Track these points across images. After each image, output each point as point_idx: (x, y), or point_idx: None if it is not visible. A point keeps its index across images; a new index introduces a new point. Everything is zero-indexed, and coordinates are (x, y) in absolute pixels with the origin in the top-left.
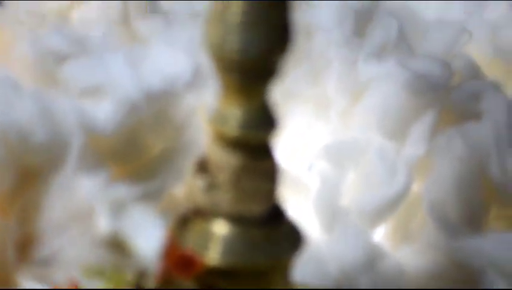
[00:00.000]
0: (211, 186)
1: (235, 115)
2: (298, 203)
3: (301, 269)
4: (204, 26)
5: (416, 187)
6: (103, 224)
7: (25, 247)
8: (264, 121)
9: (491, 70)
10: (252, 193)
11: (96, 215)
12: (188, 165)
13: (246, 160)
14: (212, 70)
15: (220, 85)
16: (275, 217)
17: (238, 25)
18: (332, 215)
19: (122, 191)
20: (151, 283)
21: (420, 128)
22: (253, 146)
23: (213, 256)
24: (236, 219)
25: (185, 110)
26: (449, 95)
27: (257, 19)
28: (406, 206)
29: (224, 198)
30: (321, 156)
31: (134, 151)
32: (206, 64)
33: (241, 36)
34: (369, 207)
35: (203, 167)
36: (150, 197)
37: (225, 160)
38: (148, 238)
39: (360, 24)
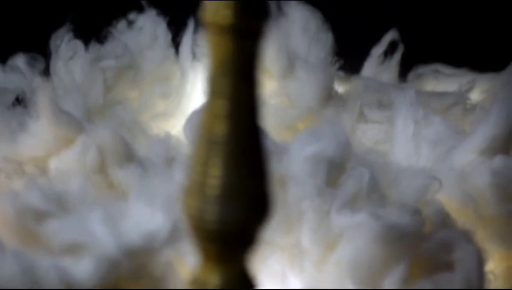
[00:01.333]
0: None
1: (214, 282)
2: None
3: None
4: (183, 197)
5: None
6: None
7: None
8: (242, 286)
9: (461, 216)
10: None
11: None
12: None
13: None
14: (191, 239)
15: (199, 253)
16: None
17: (216, 196)
18: None
19: None
20: None
21: (392, 280)
22: None
23: None
24: None
25: (164, 264)
26: (421, 245)
27: (235, 191)
28: None
29: None
30: None
31: None
32: (183, 219)
33: (219, 207)
34: None
35: None
36: None
37: None
38: None
39: (333, 173)
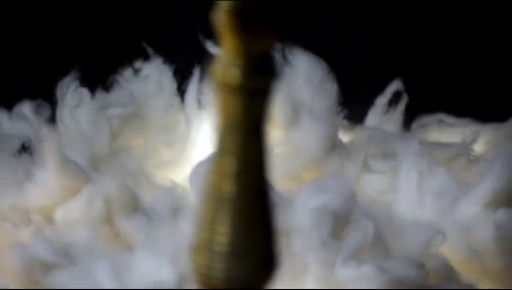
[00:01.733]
0: None
1: None
2: None
3: None
4: (190, 254)
5: None
6: None
7: None
8: None
9: (465, 269)
10: None
11: None
12: None
13: None
14: None
15: None
16: None
17: (224, 254)
18: None
19: None
20: None
21: None
22: None
23: None
24: None
25: None
26: None
27: (242, 249)
28: None
29: None
30: None
31: None
32: (190, 271)
33: (227, 265)
34: None
35: None
36: None
37: None
38: None
39: (338, 225)
